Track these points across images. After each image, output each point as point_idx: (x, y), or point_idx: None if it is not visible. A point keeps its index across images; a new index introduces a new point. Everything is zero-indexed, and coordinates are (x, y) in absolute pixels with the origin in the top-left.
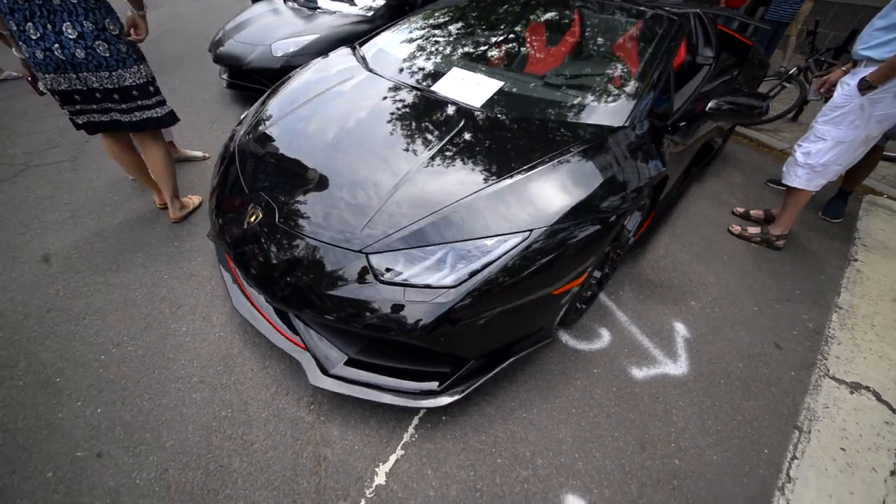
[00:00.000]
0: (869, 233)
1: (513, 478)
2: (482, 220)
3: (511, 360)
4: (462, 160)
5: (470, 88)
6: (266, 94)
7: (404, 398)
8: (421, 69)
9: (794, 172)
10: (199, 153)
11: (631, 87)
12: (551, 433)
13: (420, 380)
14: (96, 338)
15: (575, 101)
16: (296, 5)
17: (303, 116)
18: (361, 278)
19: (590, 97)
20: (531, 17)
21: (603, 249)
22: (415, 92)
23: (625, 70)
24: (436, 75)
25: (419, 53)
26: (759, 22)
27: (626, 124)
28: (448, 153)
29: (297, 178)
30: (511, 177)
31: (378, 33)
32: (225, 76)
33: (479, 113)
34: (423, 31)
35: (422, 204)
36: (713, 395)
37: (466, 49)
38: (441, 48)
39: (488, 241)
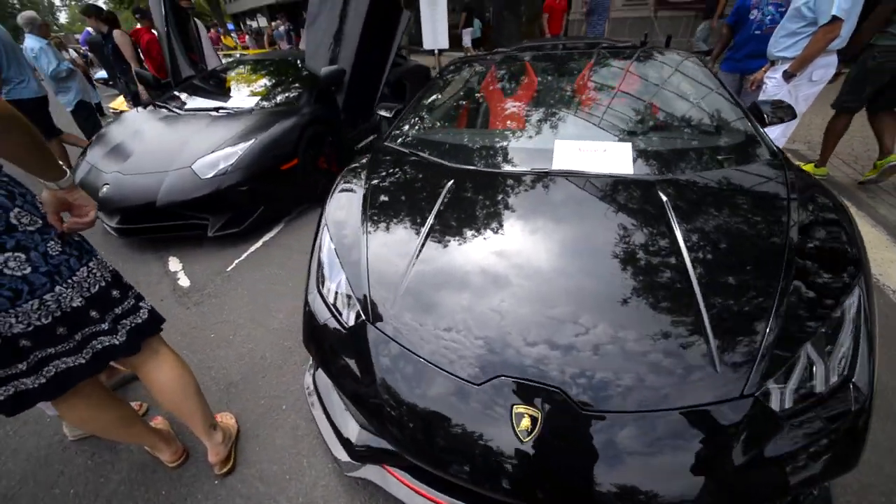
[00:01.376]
0: None
1: None
2: (807, 301)
3: None
4: (713, 244)
5: (598, 157)
6: (326, 233)
7: None
8: (517, 151)
9: None
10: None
11: (738, 119)
12: None
13: None
14: None
15: (718, 144)
16: (181, 111)
17: (456, 241)
18: (759, 429)
19: (723, 136)
20: (585, 72)
21: None
22: (550, 176)
23: (723, 103)
24: (539, 154)
25: (494, 134)
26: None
27: (776, 148)
28: (691, 237)
29: (544, 332)
30: (789, 242)
31: (402, 123)
32: (114, 223)
33: (651, 183)
34: (465, 108)
35: (747, 311)
36: None
37: (552, 115)
38: (511, 122)
39: (835, 314)
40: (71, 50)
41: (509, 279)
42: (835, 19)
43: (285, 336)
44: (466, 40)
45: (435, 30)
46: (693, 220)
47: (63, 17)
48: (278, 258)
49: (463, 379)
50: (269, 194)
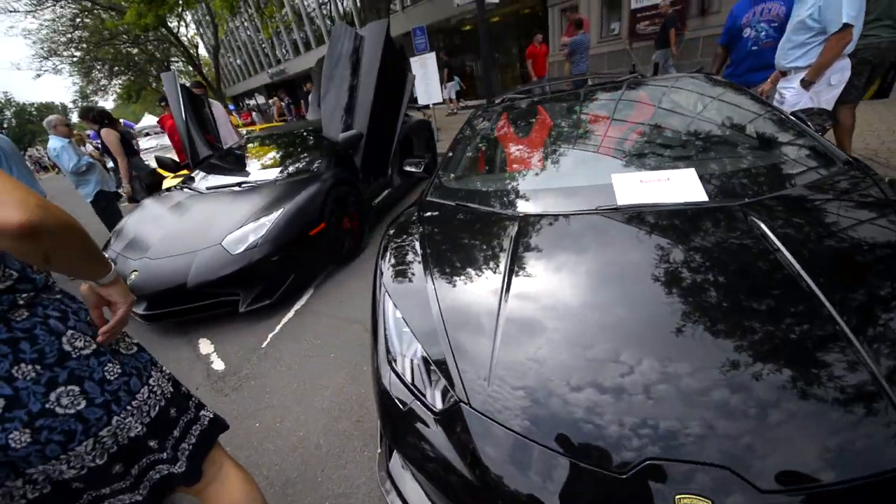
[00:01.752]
0: None
1: None
2: None
3: None
4: (835, 264)
5: (663, 187)
6: (388, 301)
7: None
8: (574, 190)
9: None
10: None
11: (795, 130)
12: None
13: None
14: None
15: (789, 158)
16: (204, 191)
17: (542, 290)
18: None
19: (788, 149)
20: (616, 104)
21: None
22: (620, 212)
23: (769, 116)
24: (599, 191)
25: (543, 176)
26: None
27: (848, 155)
28: (808, 261)
29: (688, 396)
30: None
31: (443, 176)
32: (140, 310)
33: (736, 206)
34: (506, 154)
35: None
36: None
37: (598, 151)
38: (558, 162)
39: None
40: (88, 145)
41: (622, 332)
42: (846, 26)
43: (338, 416)
44: (446, 94)
45: (428, 87)
46: (803, 242)
47: (74, 118)
48: (312, 326)
49: (604, 469)
50: (299, 261)
